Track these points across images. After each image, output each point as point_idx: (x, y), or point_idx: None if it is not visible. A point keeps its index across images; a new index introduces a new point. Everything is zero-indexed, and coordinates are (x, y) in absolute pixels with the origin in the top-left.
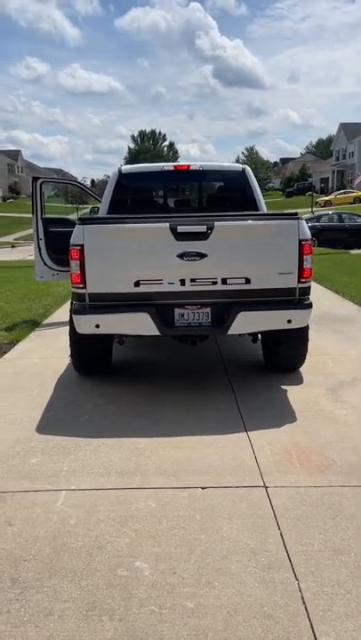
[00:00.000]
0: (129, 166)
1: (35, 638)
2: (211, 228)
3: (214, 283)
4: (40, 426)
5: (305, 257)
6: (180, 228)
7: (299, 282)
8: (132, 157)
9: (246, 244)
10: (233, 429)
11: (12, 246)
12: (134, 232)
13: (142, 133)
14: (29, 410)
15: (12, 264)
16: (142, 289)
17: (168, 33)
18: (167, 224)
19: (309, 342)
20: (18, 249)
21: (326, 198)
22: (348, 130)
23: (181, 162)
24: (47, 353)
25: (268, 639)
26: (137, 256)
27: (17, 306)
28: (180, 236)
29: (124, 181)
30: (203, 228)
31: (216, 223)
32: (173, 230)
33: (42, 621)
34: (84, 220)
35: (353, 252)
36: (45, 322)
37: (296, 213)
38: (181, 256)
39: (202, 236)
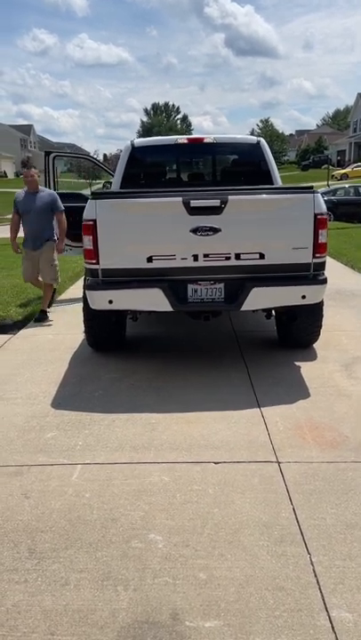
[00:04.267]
0: (142, 139)
1: (51, 607)
2: (225, 203)
3: (228, 258)
4: (55, 401)
5: (320, 232)
6: (194, 203)
7: (314, 257)
8: (146, 131)
9: (260, 219)
10: (246, 405)
11: None
12: (147, 207)
13: (155, 106)
14: (45, 385)
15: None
16: (155, 264)
17: (177, 0)
18: (180, 198)
19: (324, 318)
20: None
21: (343, 171)
22: None
23: (195, 135)
24: (61, 329)
25: (279, 610)
26: (150, 231)
27: None
28: (194, 211)
29: (137, 155)
30: (216, 203)
31: (230, 197)
32: (186, 205)
33: (58, 591)
34: (96, 195)
35: None
36: (59, 298)
37: (311, 187)
38: (195, 231)
39: (215, 211)
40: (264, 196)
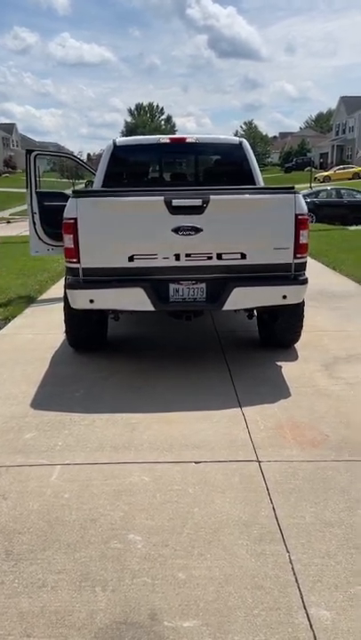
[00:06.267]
0: (124, 138)
1: (28, 609)
2: (206, 202)
3: (209, 258)
4: (35, 401)
5: (301, 232)
6: (175, 202)
7: (295, 257)
8: (130, 131)
9: (242, 219)
10: (227, 405)
11: (8, 222)
12: (128, 205)
13: (139, 106)
14: (24, 385)
15: (8, 239)
16: (137, 264)
17: (160, 1)
18: (162, 197)
19: (306, 319)
20: (13, 224)
21: (325, 174)
22: (349, 103)
23: (179, 135)
24: (42, 329)
25: (258, 609)
26: (131, 230)
27: (12, 282)
28: (175, 210)
29: (119, 154)
30: (198, 202)
31: (211, 197)
32: (168, 204)
33: (35, 592)
34: (77, 194)
35: (351, 228)
36: (41, 298)
37: (293, 187)
38: (176, 230)
39: (197, 210)
40: (245, 196)
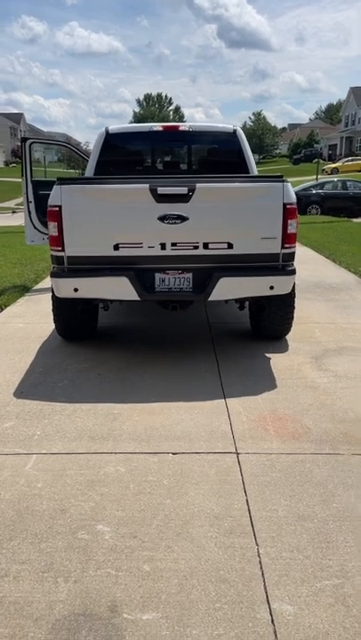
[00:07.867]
0: (116, 126)
1: None
2: (192, 190)
3: (196, 247)
4: (18, 390)
5: (289, 222)
6: (161, 190)
7: (283, 247)
8: (138, 121)
9: (229, 208)
10: (211, 396)
11: (13, 212)
12: (113, 193)
13: (148, 97)
14: (9, 374)
15: (10, 229)
16: (122, 252)
17: None
18: (147, 185)
19: (299, 310)
20: (18, 214)
21: (333, 165)
22: (359, 94)
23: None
24: (34, 318)
25: (220, 602)
26: (116, 218)
27: (9, 271)
28: (161, 198)
29: (112, 142)
30: (184, 190)
31: (197, 185)
32: (153, 192)
33: None
34: (62, 181)
35: (356, 220)
36: (36, 287)
37: (281, 176)
38: (162, 219)
39: (183, 199)
40: (232, 184)
